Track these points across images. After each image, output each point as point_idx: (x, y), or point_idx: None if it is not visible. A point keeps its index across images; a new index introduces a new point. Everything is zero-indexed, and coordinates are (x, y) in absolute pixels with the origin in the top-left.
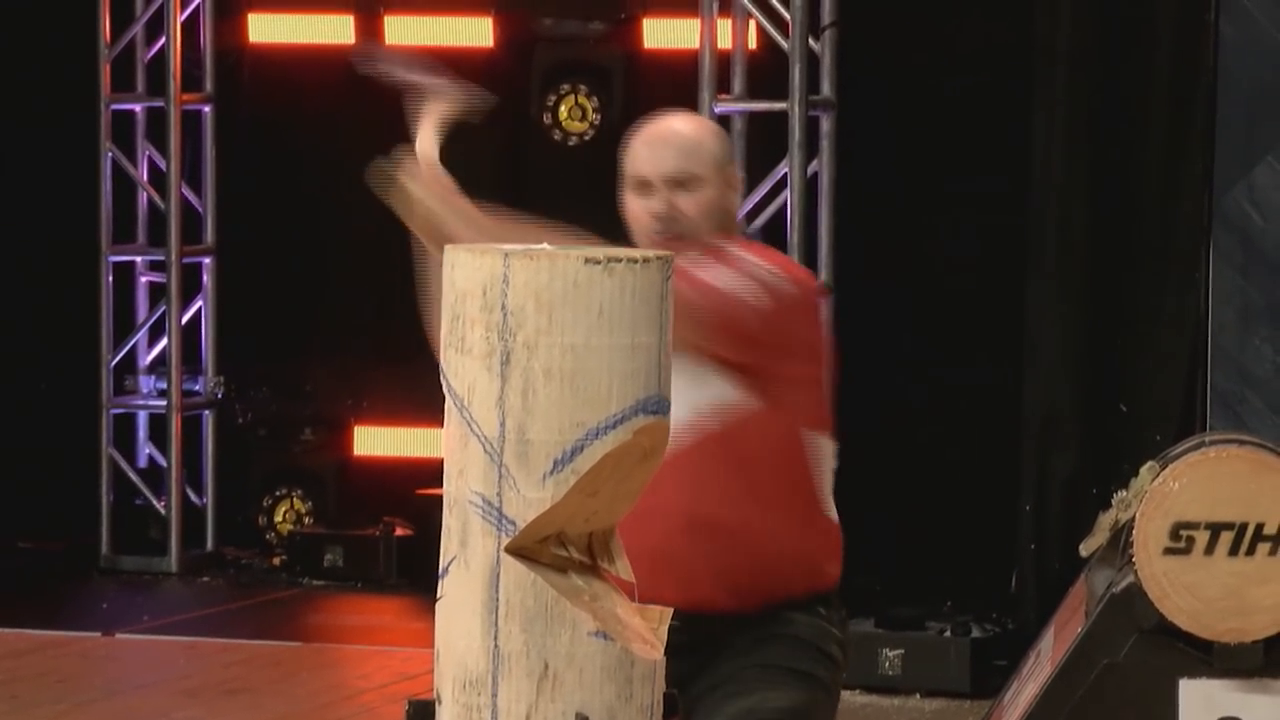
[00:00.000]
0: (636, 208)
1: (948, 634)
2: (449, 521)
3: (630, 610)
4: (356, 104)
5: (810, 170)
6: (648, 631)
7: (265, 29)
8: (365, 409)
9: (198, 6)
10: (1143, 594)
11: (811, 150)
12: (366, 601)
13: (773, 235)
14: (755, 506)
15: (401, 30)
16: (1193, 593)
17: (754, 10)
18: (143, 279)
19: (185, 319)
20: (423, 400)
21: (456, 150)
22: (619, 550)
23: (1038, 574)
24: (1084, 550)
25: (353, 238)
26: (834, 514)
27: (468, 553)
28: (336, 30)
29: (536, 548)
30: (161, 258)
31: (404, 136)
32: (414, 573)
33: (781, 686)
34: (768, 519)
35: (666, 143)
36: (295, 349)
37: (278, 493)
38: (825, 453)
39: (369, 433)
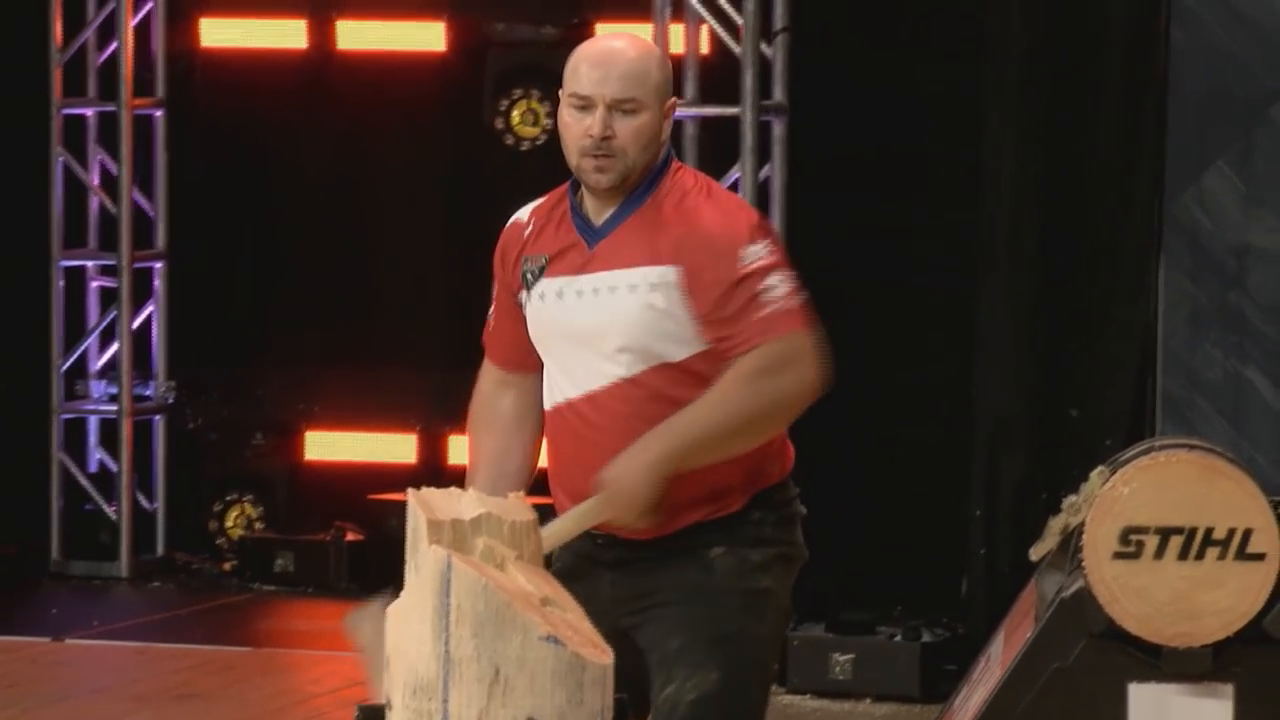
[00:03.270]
0: (573, 122)
1: (898, 639)
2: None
3: (581, 615)
4: (309, 108)
5: (763, 175)
6: (598, 637)
7: (217, 33)
8: (316, 414)
9: (150, 11)
10: (1092, 598)
11: (764, 155)
12: (318, 606)
13: None
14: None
15: (353, 35)
16: (1142, 597)
17: (706, 15)
18: (94, 284)
19: (136, 324)
20: (374, 405)
21: (409, 153)
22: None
23: (988, 579)
24: (1034, 555)
25: (305, 243)
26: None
27: (419, 559)
28: (288, 35)
29: (468, 545)
30: (113, 262)
31: (353, 142)
32: (365, 577)
33: (705, 666)
34: None
35: (614, 64)
36: (246, 354)
37: (229, 497)
38: None
39: (320, 437)
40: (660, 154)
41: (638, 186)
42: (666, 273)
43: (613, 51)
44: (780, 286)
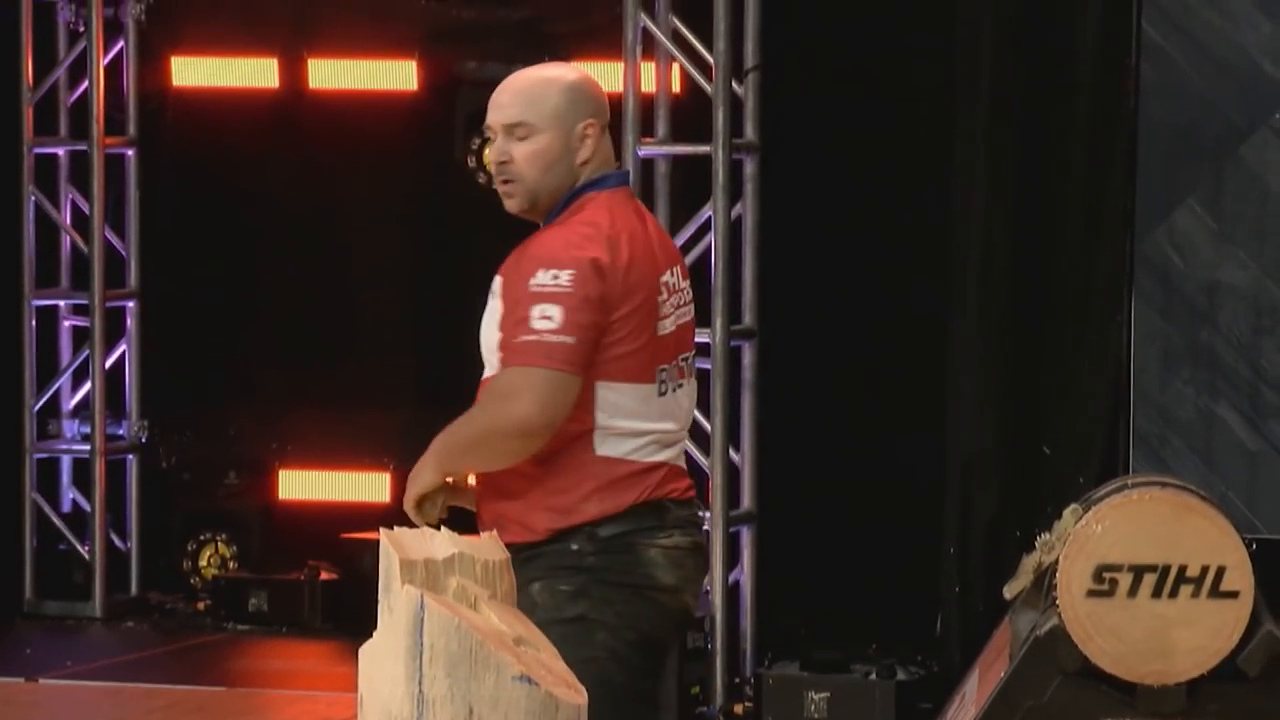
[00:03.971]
0: (488, 153)
1: (873, 676)
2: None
3: (554, 655)
4: (281, 147)
5: (734, 213)
6: (571, 675)
7: (189, 72)
8: (289, 453)
9: (121, 50)
10: (1066, 636)
11: (735, 193)
12: (292, 646)
13: (696, 278)
14: (538, 456)
15: (325, 74)
16: (1116, 635)
17: (677, 54)
18: (66, 323)
19: (109, 363)
20: (347, 444)
21: (381, 192)
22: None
23: (962, 616)
24: (1008, 593)
25: (277, 281)
26: (619, 451)
27: (391, 598)
28: (260, 74)
29: (441, 584)
30: (85, 301)
31: (325, 181)
32: (339, 617)
33: None
34: (537, 465)
35: (508, 91)
36: (219, 392)
37: (202, 537)
38: (622, 398)
39: (293, 476)
40: (578, 176)
41: (551, 210)
42: (496, 282)
43: (512, 79)
44: (548, 320)
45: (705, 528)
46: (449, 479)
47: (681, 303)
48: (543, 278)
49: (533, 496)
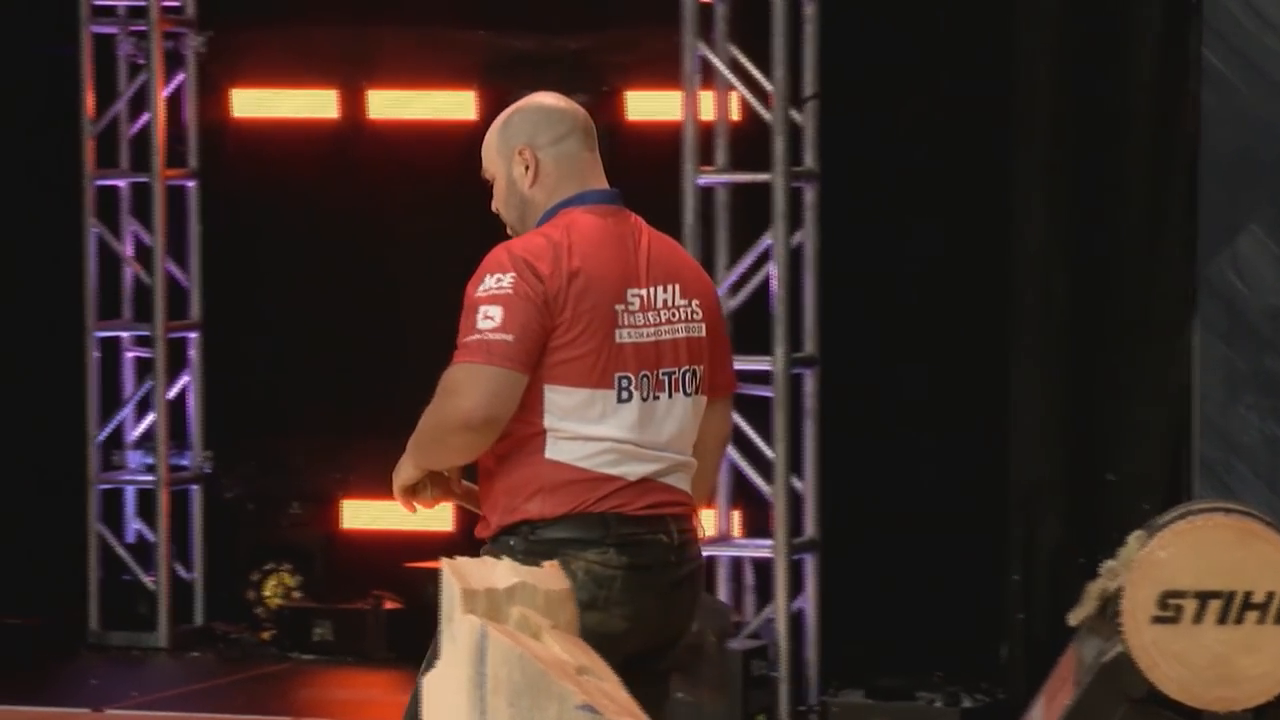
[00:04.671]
0: None
1: (938, 704)
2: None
3: (617, 685)
4: (340, 177)
5: (794, 241)
6: (633, 705)
7: (249, 104)
8: (352, 483)
9: (181, 82)
10: (1132, 663)
11: (795, 221)
12: (356, 675)
13: (757, 306)
14: (495, 456)
15: (384, 104)
16: (1181, 661)
17: (736, 82)
18: (129, 354)
19: (172, 394)
20: None
21: (441, 222)
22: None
23: (1027, 644)
24: (1072, 620)
25: (338, 312)
26: (568, 457)
27: (454, 628)
28: (320, 105)
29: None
30: (147, 333)
31: (385, 211)
32: (403, 646)
33: None
34: (487, 461)
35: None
36: (282, 423)
37: (266, 567)
38: (569, 401)
39: (356, 506)
40: (538, 198)
41: None
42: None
43: None
44: (490, 320)
45: (753, 554)
46: (434, 471)
47: (675, 319)
48: (489, 282)
49: (494, 495)
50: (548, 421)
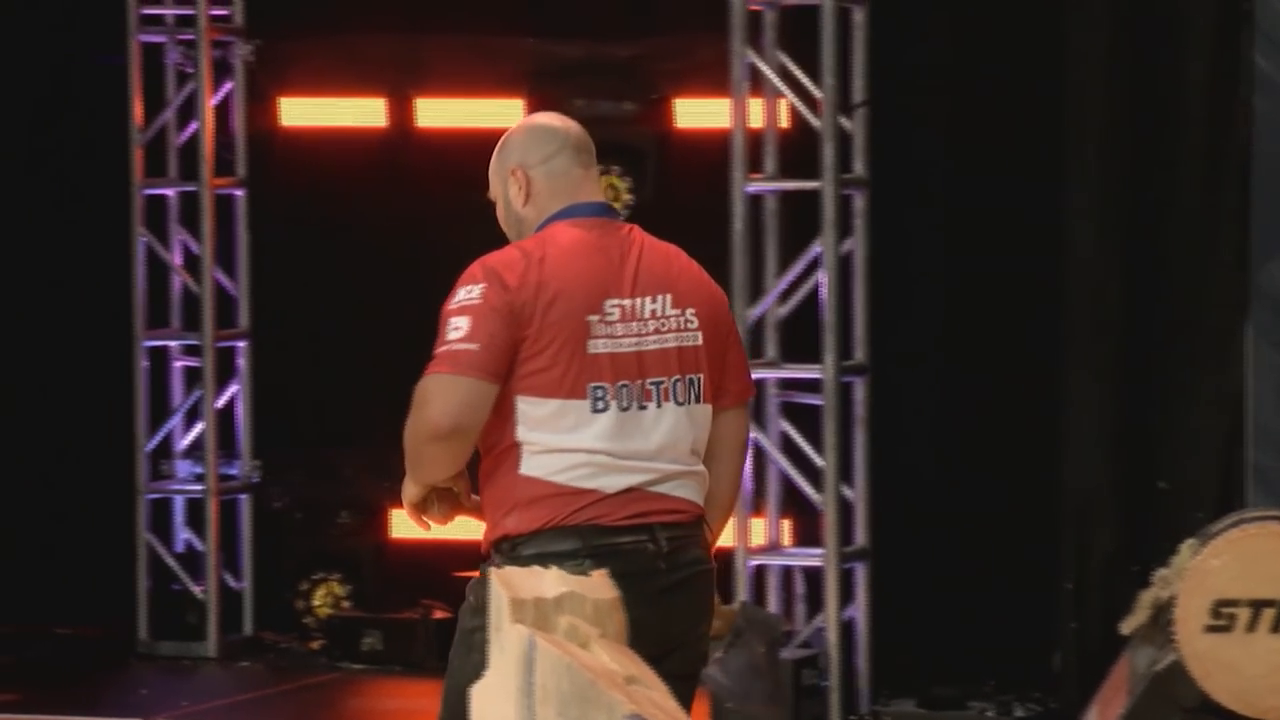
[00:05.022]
0: None
1: (990, 714)
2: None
3: (666, 694)
4: (388, 186)
5: (844, 249)
6: (682, 714)
7: (297, 112)
8: (400, 493)
9: (229, 91)
10: (1185, 672)
11: (845, 229)
12: (406, 685)
13: (807, 314)
14: (481, 473)
15: (433, 113)
16: (1235, 670)
17: (785, 89)
18: (177, 363)
19: (221, 403)
20: None
21: (490, 230)
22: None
23: (1080, 653)
24: (1125, 629)
25: (385, 320)
26: (541, 471)
27: (502, 637)
28: (368, 113)
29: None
30: (196, 342)
31: (433, 219)
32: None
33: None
34: (480, 476)
35: None
36: (331, 431)
37: (315, 576)
38: (542, 413)
39: (405, 516)
40: (530, 216)
41: None
42: None
43: None
44: (458, 330)
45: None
46: (441, 487)
47: (665, 329)
48: (460, 294)
49: (485, 511)
50: (520, 434)
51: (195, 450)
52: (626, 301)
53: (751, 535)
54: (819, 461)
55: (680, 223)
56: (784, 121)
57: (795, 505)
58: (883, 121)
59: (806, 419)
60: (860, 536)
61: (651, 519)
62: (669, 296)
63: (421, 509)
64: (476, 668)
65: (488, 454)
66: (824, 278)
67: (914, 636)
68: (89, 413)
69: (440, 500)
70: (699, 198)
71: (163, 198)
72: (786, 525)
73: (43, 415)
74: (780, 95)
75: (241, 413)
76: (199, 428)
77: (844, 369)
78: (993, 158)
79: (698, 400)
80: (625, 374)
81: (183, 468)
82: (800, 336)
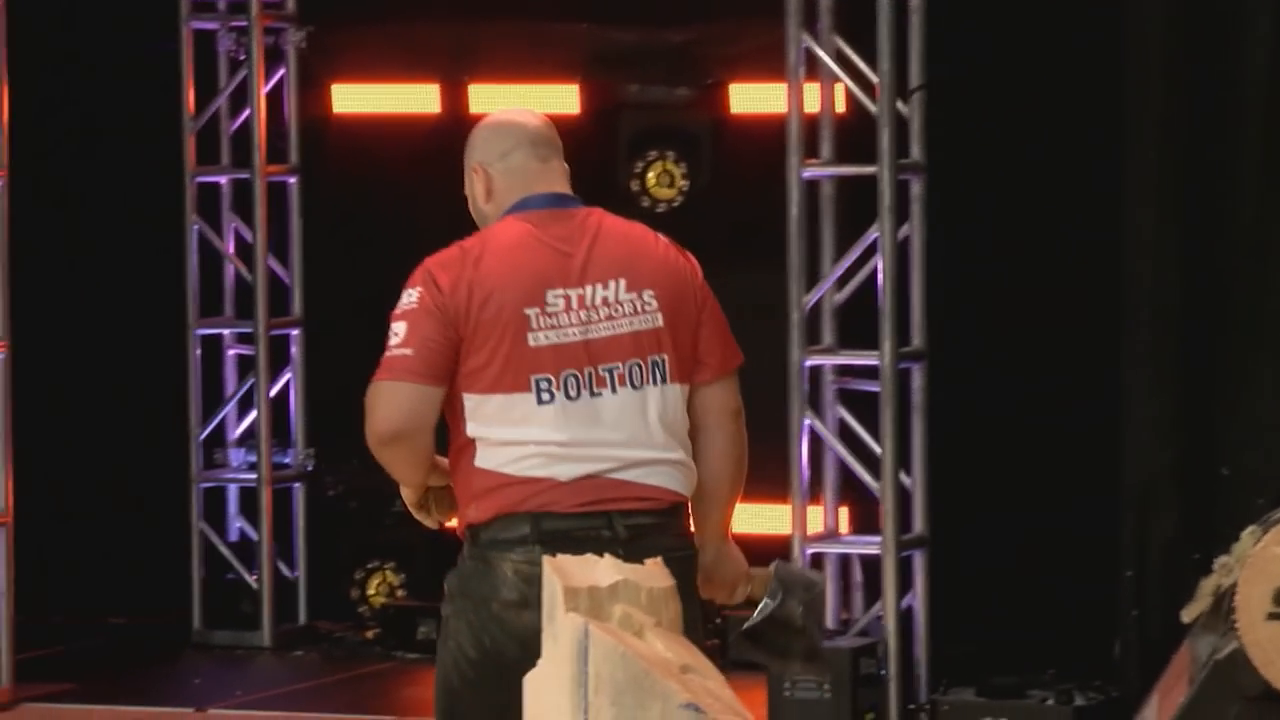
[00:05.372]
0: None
1: (1050, 702)
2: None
3: (722, 683)
4: (442, 173)
5: (901, 234)
6: (738, 703)
7: (350, 99)
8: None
9: (282, 77)
10: (1247, 661)
11: (902, 214)
12: None
13: (864, 300)
14: (450, 466)
15: (486, 99)
16: None
17: (841, 74)
18: (230, 352)
19: (274, 391)
20: None
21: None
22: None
23: (1140, 640)
24: (1186, 616)
25: None
26: (492, 464)
27: (555, 627)
28: (421, 100)
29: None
30: (249, 330)
31: None
32: None
33: None
34: (452, 474)
35: None
36: None
37: (370, 565)
38: (488, 408)
39: None
40: (491, 215)
41: None
42: None
43: None
44: (396, 336)
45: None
46: (435, 486)
47: (618, 314)
48: (402, 299)
49: (458, 505)
50: (471, 430)
51: (248, 439)
52: (573, 291)
53: (809, 523)
54: (876, 448)
55: (736, 209)
56: (840, 106)
57: (853, 493)
58: (940, 106)
59: (864, 406)
60: (918, 524)
61: (609, 506)
62: (622, 281)
63: (423, 509)
64: (452, 656)
65: (450, 449)
66: (881, 263)
67: (973, 625)
68: (141, 402)
69: (438, 500)
70: (754, 183)
71: (215, 185)
72: (844, 513)
73: (95, 404)
74: (836, 80)
75: (295, 401)
76: (252, 416)
77: (901, 355)
78: (1051, 142)
79: (662, 382)
80: (571, 363)
81: (236, 456)
82: (857, 323)
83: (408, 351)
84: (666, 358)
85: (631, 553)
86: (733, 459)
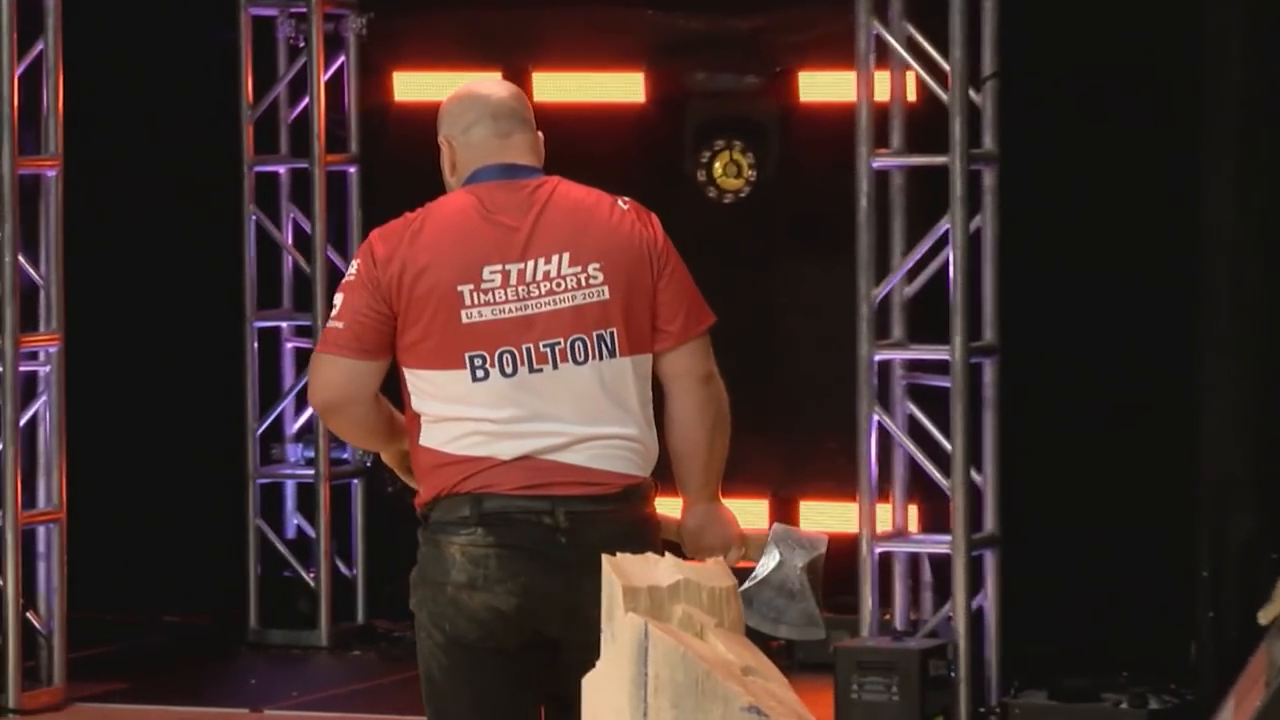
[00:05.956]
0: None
1: (1124, 706)
2: None
3: (785, 685)
4: None
5: (973, 226)
6: (801, 706)
7: (411, 87)
8: None
9: (342, 65)
10: None
11: (974, 205)
12: None
13: (935, 293)
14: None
15: (549, 87)
16: None
17: (912, 61)
18: (288, 345)
19: None
20: None
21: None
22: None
23: (1217, 643)
24: (1263, 618)
25: None
26: (435, 442)
27: (615, 627)
28: None
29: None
30: (308, 323)
31: None
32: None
33: None
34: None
35: None
36: None
37: None
38: (426, 384)
39: None
40: (453, 186)
41: None
42: None
43: None
44: (335, 308)
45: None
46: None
47: (560, 289)
48: (347, 271)
49: None
50: (415, 404)
51: (306, 434)
52: (513, 266)
53: (877, 521)
54: (947, 445)
55: (804, 199)
56: (911, 95)
57: (922, 490)
58: (1013, 94)
59: (934, 401)
60: (989, 523)
61: (554, 490)
62: (566, 255)
63: (407, 474)
64: (426, 647)
65: (406, 423)
66: (952, 256)
67: (1045, 626)
68: (197, 395)
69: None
70: (823, 174)
71: (274, 175)
72: (913, 511)
73: (149, 398)
74: (907, 67)
75: None
76: (310, 411)
77: (973, 350)
78: (1128, 133)
79: (610, 356)
80: (507, 340)
81: (294, 452)
82: (927, 316)
83: (339, 325)
84: (615, 330)
85: (574, 542)
86: (702, 423)
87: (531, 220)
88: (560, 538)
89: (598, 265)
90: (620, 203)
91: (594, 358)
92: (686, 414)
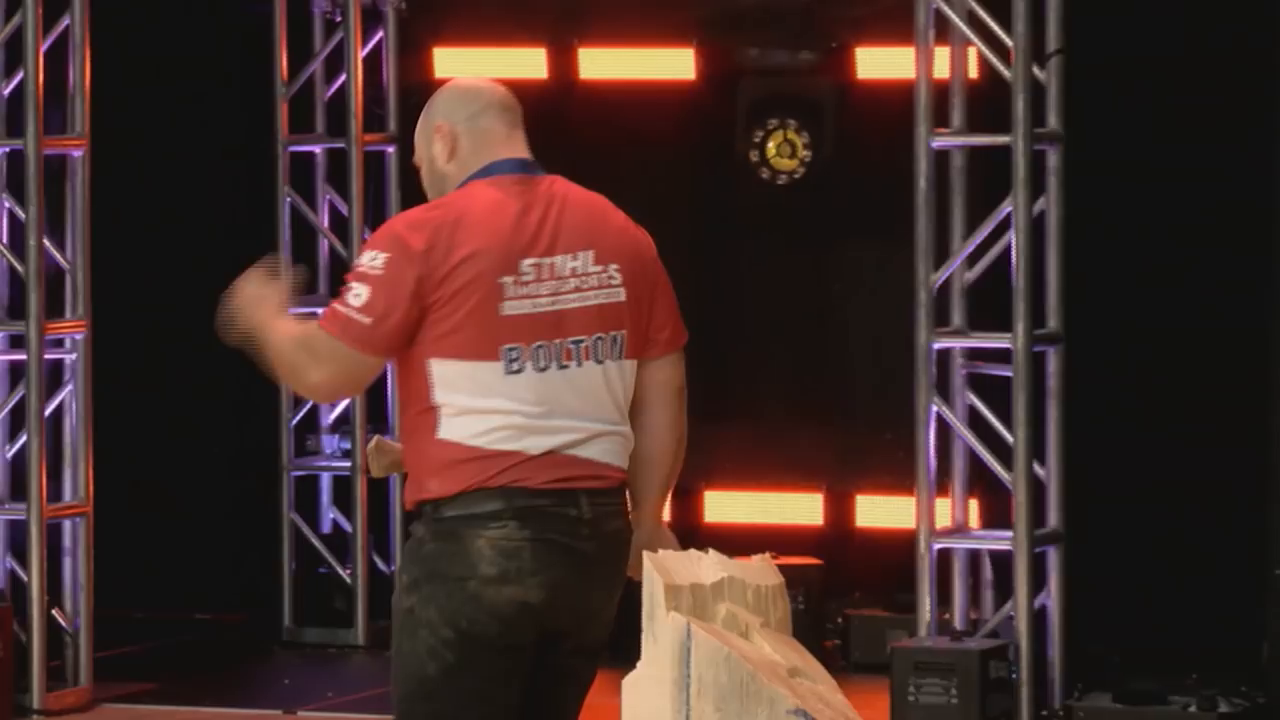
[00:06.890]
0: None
1: (1192, 709)
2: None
3: (833, 687)
4: (550, 141)
5: (1036, 208)
6: (849, 709)
7: (453, 64)
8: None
9: (380, 41)
10: None
11: (1037, 187)
12: None
13: (997, 278)
14: (402, 432)
15: (597, 64)
16: None
17: (974, 37)
18: None
19: None
20: None
21: (658, 187)
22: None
23: None
24: None
25: None
26: (458, 435)
27: (656, 626)
28: (528, 64)
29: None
30: None
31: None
32: (612, 644)
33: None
34: (404, 441)
35: None
36: None
37: None
38: (456, 375)
39: None
40: (453, 173)
41: None
42: None
43: None
44: (358, 298)
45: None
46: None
47: (585, 287)
48: (365, 258)
49: (408, 468)
50: (438, 396)
51: (342, 424)
52: (545, 260)
53: (936, 516)
54: (1009, 438)
55: (861, 181)
56: (973, 72)
57: (983, 484)
58: (1079, 71)
59: (996, 392)
60: (1053, 518)
61: (576, 484)
62: (590, 253)
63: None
64: (425, 645)
65: (405, 413)
66: (1014, 240)
67: (1110, 626)
68: (230, 385)
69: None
70: (881, 154)
71: (309, 155)
72: (974, 506)
73: (182, 387)
74: (968, 43)
75: (391, 385)
76: (346, 400)
77: (1036, 338)
78: (1197, 112)
79: (620, 357)
80: (542, 334)
81: (329, 443)
82: (989, 303)
83: (366, 320)
84: (625, 333)
85: (594, 533)
86: (674, 433)
87: (555, 216)
88: (584, 529)
89: (617, 267)
90: (615, 208)
91: (609, 357)
92: (662, 421)
